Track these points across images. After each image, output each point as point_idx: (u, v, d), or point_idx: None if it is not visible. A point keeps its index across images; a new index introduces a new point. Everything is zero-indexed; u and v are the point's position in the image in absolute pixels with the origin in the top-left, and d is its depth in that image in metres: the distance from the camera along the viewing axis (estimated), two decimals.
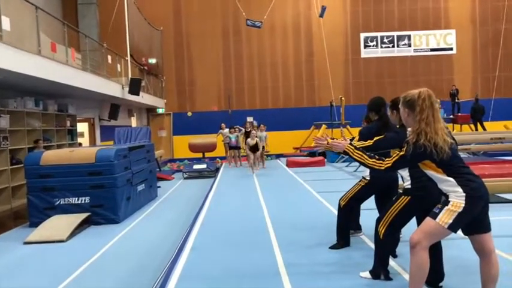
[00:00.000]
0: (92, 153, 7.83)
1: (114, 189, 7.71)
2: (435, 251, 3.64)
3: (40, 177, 7.62)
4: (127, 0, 15.37)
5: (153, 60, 19.63)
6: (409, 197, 3.82)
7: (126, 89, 14.71)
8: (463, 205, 3.05)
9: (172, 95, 22.10)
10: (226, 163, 16.46)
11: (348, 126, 19.35)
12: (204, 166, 14.80)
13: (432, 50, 22.34)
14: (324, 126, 19.32)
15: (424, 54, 22.34)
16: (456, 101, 19.90)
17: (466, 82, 21.99)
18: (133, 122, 19.86)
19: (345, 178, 11.33)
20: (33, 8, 9.25)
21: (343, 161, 15.09)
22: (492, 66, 22.02)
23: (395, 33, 22.27)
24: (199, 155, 17.77)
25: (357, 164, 12.30)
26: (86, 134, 15.65)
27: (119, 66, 15.31)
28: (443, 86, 20.61)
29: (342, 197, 5.16)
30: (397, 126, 4.29)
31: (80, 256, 5.67)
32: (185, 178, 14.27)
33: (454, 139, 3.22)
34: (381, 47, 22.33)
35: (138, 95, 15.10)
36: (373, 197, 5.13)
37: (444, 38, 22.34)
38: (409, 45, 22.34)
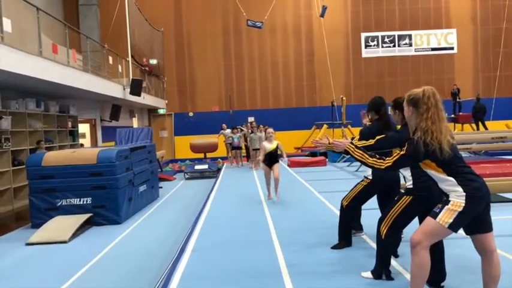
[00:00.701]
0: (94, 154, 7.84)
1: (116, 190, 7.72)
2: (437, 251, 3.64)
3: (42, 178, 7.63)
4: (128, 1, 15.38)
5: (154, 61, 19.65)
6: (411, 197, 3.81)
7: (128, 89, 14.73)
8: (463, 204, 3.05)
9: (174, 96, 22.12)
10: (228, 163, 16.46)
11: (349, 126, 19.35)
12: (205, 166, 14.80)
13: (433, 49, 22.33)
14: (325, 126, 19.33)
15: (425, 54, 22.33)
16: (457, 100, 19.89)
17: (467, 81, 21.97)
18: (135, 122, 19.88)
19: (347, 178, 11.33)
20: (35, 9, 9.27)
21: (345, 161, 15.09)
22: (493, 66, 22.00)
23: (396, 33, 22.26)
24: (201, 155, 17.78)
25: (358, 163, 12.35)
26: (88, 135, 15.66)
27: (120, 67, 15.33)
28: (445, 85, 20.58)
29: (345, 197, 5.15)
30: (399, 126, 4.29)
31: (82, 257, 5.68)
32: (187, 179, 14.28)
33: (453, 138, 3.22)
34: (382, 47, 22.32)
35: (139, 95, 15.12)
36: (375, 197, 5.13)
37: (445, 38, 22.33)
38: (410, 45, 22.33)
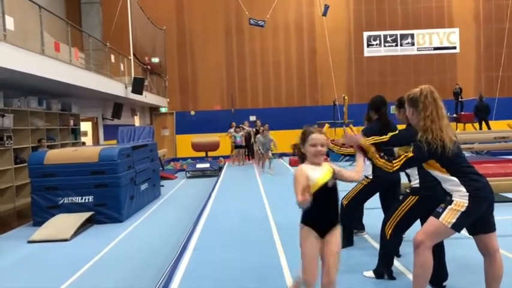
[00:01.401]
0: (96, 153, 7.85)
1: (118, 188, 7.72)
2: (438, 251, 3.63)
3: (44, 176, 7.64)
4: None
5: (156, 60, 19.65)
6: (417, 197, 3.78)
7: (130, 88, 14.73)
8: (466, 204, 3.04)
9: (175, 94, 22.11)
10: (230, 162, 16.46)
11: (351, 125, 19.31)
12: (207, 165, 14.80)
13: (435, 48, 22.27)
14: (326, 125, 19.28)
15: (428, 53, 22.27)
16: (459, 99, 19.84)
17: (470, 81, 21.92)
18: (137, 121, 19.88)
19: None
20: (37, 7, 9.27)
21: (346, 160, 15.06)
22: (496, 65, 21.93)
23: (398, 32, 22.21)
24: (202, 154, 17.79)
25: None
26: (90, 133, 15.68)
27: (122, 65, 15.33)
28: (447, 84, 20.53)
29: (345, 197, 5.15)
30: (401, 126, 4.26)
31: (84, 255, 5.69)
32: (188, 177, 14.29)
33: (455, 136, 3.21)
34: (384, 46, 22.28)
35: (141, 94, 15.12)
36: (376, 196, 5.12)
37: (448, 37, 22.27)
38: (413, 44, 22.27)
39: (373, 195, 5.11)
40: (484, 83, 22.02)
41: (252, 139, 16.17)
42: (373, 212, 5.49)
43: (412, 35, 22.23)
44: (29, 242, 6.52)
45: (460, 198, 3.06)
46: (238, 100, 22.00)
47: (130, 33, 15.47)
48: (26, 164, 9.11)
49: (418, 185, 3.83)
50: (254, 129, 16.69)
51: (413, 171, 3.86)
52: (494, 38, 21.93)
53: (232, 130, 16.58)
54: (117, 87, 14.12)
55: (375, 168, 3.59)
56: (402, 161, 3.22)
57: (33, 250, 6.18)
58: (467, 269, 4.15)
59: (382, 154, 3.41)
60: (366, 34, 22.21)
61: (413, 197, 3.80)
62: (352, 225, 5.27)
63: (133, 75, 15.26)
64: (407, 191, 3.94)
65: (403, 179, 4.40)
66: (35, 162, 7.75)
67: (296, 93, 22.23)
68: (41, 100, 11.29)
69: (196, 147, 17.45)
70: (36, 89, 10.81)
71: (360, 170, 3.26)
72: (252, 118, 20.32)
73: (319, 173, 3.07)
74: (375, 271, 4.07)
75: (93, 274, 5.06)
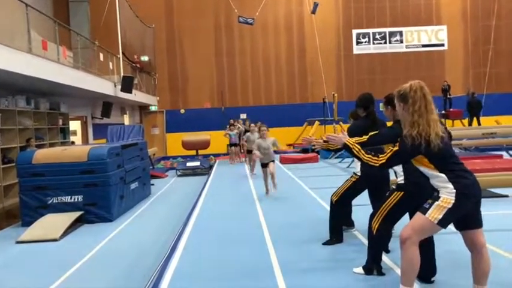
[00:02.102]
0: (85, 152, 7.80)
1: (107, 187, 7.69)
2: (427, 246, 3.66)
3: (32, 176, 7.58)
4: None
5: (145, 58, 19.55)
6: (403, 193, 3.84)
7: (119, 86, 14.64)
8: (453, 201, 3.07)
9: (165, 93, 22.03)
10: (223, 160, 16.44)
11: (341, 123, 19.37)
12: (197, 163, 14.78)
13: (424, 46, 22.43)
14: (317, 122, 19.35)
15: (416, 50, 22.43)
16: (448, 96, 20.00)
17: (458, 78, 22.12)
18: (126, 119, 19.78)
19: (338, 174, 11.36)
20: (23, 5, 9.17)
21: (336, 157, 15.13)
22: (483, 62, 22.15)
23: (387, 30, 22.33)
24: (193, 152, 17.75)
25: (350, 160, 12.40)
26: (79, 133, 15.57)
27: (111, 64, 15.24)
28: (435, 81, 20.65)
29: (334, 193, 5.19)
30: (390, 123, 4.29)
31: (73, 255, 5.65)
32: (179, 176, 14.25)
33: (449, 133, 3.23)
34: (373, 43, 22.39)
35: (130, 92, 15.05)
36: (365, 192, 5.16)
37: (436, 34, 22.44)
38: (401, 42, 22.41)
39: (361, 192, 5.15)
40: (471, 79, 22.23)
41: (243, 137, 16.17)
42: (362, 208, 5.52)
43: (401, 33, 22.36)
44: (18, 242, 6.47)
45: (447, 195, 3.09)
46: (228, 98, 21.97)
47: (119, 31, 15.39)
48: (14, 164, 9.02)
49: (403, 181, 3.88)
50: (243, 128, 16.69)
51: (399, 168, 3.90)
52: (481, 35, 22.14)
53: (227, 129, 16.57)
54: (106, 86, 14.03)
55: (363, 165, 3.61)
56: (388, 155, 3.25)
57: (22, 250, 6.13)
58: (455, 264, 4.19)
59: (367, 149, 3.45)
60: (355, 32, 22.30)
61: (399, 192, 3.85)
62: (342, 221, 5.31)
63: (122, 74, 15.18)
64: (393, 187, 4.00)
65: (392, 176, 4.44)
66: (23, 162, 7.68)
67: (286, 90, 22.27)
68: (29, 99, 11.18)
69: (186, 145, 17.41)
70: (24, 88, 10.71)
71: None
72: (243, 116, 20.31)
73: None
74: (364, 267, 4.10)
75: (83, 274, 5.03)
